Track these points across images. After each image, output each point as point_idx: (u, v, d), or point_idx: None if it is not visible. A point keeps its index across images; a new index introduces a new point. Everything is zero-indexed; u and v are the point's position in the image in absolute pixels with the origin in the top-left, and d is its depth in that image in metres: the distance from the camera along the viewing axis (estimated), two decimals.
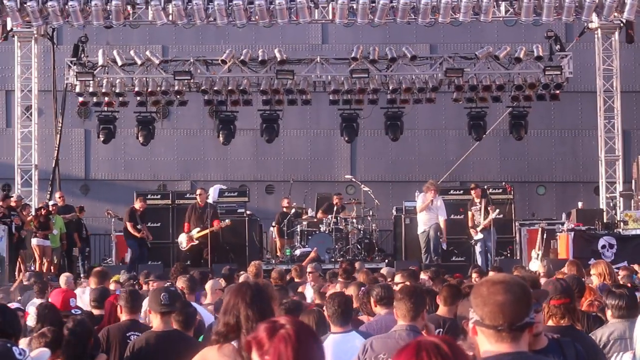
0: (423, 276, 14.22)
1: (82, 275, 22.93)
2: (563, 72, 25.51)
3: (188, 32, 27.30)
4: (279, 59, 25.67)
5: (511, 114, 26.86)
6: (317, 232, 23.30)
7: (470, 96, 26.42)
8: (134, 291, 9.56)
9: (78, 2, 22.34)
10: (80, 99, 26.43)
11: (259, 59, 25.77)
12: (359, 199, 24.54)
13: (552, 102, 26.94)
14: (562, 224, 23.21)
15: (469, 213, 22.76)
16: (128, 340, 8.49)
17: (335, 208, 23.66)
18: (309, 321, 7.59)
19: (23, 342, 7.27)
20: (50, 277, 19.87)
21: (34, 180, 25.97)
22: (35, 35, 25.95)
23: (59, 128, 26.87)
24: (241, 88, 25.84)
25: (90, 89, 25.84)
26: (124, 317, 8.98)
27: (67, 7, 22.43)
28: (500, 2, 23.02)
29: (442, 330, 8.80)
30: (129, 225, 23.07)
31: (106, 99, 26.10)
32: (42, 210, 23.02)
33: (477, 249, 22.55)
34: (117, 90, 25.88)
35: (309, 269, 15.51)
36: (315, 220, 23.88)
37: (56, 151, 26.82)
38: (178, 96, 26.24)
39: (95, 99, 26.33)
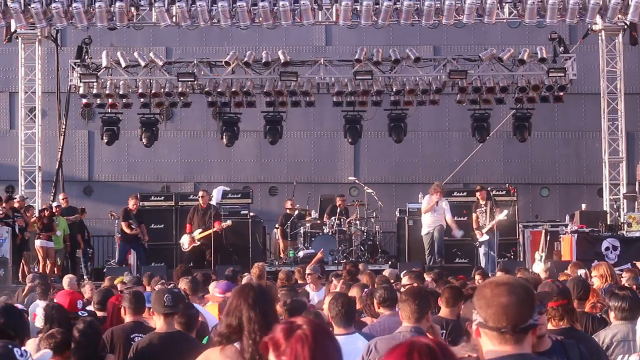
0: (426, 278, 14.22)
1: (85, 276, 22.94)
2: (567, 74, 25.50)
3: (192, 33, 27.35)
4: (282, 61, 25.70)
5: (515, 116, 26.84)
6: (321, 233, 23.31)
7: (473, 98, 26.42)
8: (137, 292, 9.57)
9: (82, 3, 22.35)
10: (84, 100, 26.46)
11: (263, 61, 25.79)
12: (363, 201, 24.55)
13: (556, 104, 26.94)
14: (566, 225, 23.17)
15: (474, 215, 22.76)
16: (132, 342, 8.50)
17: (338, 210, 23.67)
18: None
19: (32, 343, 7.29)
20: (54, 279, 19.90)
21: (37, 182, 25.97)
22: (39, 37, 25.95)
23: (63, 130, 26.88)
24: (245, 90, 25.84)
25: (94, 91, 25.87)
26: (127, 318, 8.98)
27: (71, 8, 22.44)
28: (504, 4, 23.00)
29: (445, 332, 8.79)
30: (124, 225, 23.07)
31: (110, 100, 26.13)
32: (46, 211, 23.02)
33: (482, 250, 22.56)
34: (121, 92, 25.91)
35: (307, 271, 15.53)
36: (318, 222, 23.89)
37: (60, 153, 26.84)
38: (181, 98, 26.26)
39: (98, 101, 26.35)
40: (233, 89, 25.81)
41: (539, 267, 20.12)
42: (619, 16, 23.09)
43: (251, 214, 24.57)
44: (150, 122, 26.86)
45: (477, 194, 22.96)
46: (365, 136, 28.06)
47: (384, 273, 15.77)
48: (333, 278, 13.95)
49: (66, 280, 14.79)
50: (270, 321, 5.17)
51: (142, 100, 26.25)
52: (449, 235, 22.89)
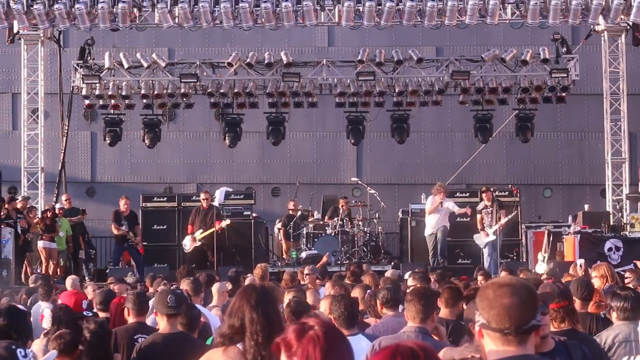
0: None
1: (87, 277, 22.94)
2: (569, 75, 25.50)
3: (194, 34, 27.37)
4: (285, 62, 25.70)
5: (517, 117, 26.84)
6: (323, 234, 23.32)
7: (476, 99, 26.41)
8: (141, 293, 9.58)
9: (85, 4, 22.36)
10: (87, 101, 26.48)
11: (265, 62, 25.80)
12: (365, 202, 24.56)
13: (559, 105, 26.93)
14: (569, 226, 23.17)
15: (478, 216, 22.77)
16: (135, 343, 8.52)
17: (340, 212, 23.69)
18: None
19: (38, 344, 7.30)
20: (57, 280, 19.91)
21: (40, 183, 25.97)
22: (42, 38, 25.95)
23: (65, 131, 26.88)
24: (247, 90, 25.85)
25: (97, 92, 25.88)
26: (131, 319, 8.99)
27: (73, 9, 22.45)
28: (506, 5, 23.00)
29: (445, 332, 8.78)
30: (112, 227, 23.00)
31: (112, 101, 26.15)
32: (49, 212, 23.03)
33: (486, 251, 22.56)
34: (124, 93, 25.91)
35: (305, 271, 15.53)
36: (321, 222, 23.91)
37: (62, 154, 26.84)
38: (184, 99, 26.28)
39: (101, 102, 26.38)
40: (235, 90, 25.83)
41: (541, 268, 20.13)
42: (622, 17, 23.07)
43: (254, 214, 24.57)
44: (152, 123, 26.87)
45: (483, 195, 22.98)
46: (368, 137, 28.07)
47: (386, 274, 15.78)
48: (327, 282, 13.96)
49: (69, 281, 14.79)
50: (272, 322, 5.18)
51: (144, 101, 26.27)
52: (451, 235, 22.93)
